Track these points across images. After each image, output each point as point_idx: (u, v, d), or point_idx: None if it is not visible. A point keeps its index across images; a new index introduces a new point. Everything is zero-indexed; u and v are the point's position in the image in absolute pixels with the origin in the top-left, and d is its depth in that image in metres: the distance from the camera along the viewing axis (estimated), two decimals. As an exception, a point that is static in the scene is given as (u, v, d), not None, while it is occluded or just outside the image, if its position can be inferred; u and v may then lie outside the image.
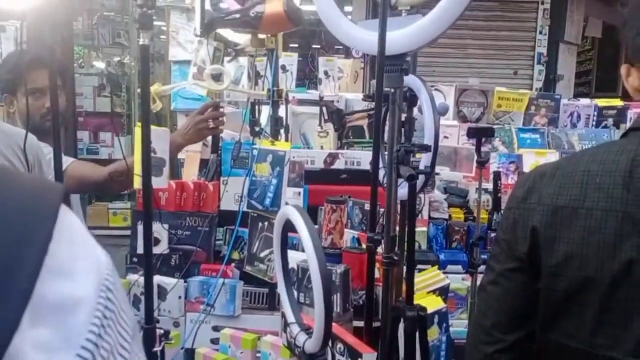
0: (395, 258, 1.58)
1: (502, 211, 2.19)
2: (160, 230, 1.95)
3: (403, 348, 1.47)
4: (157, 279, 1.84)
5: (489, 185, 2.49)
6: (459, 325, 2.06)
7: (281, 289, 1.22)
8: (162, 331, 1.35)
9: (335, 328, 1.46)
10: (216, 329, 1.81)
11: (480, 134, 2.07)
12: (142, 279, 1.43)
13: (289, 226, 1.18)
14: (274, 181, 1.90)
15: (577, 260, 0.83)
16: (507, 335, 0.94)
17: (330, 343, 1.42)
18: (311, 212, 1.69)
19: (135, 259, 1.94)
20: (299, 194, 2.25)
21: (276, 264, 1.19)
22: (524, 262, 0.91)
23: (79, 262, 0.40)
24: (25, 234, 0.37)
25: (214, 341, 1.81)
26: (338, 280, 1.57)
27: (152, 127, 1.90)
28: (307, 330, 1.15)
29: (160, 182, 2.01)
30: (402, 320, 1.36)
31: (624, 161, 0.82)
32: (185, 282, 1.86)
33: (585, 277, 0.81)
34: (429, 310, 1.60)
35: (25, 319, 0.35)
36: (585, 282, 0.82)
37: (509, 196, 0.99)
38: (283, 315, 1.60)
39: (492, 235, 2.30)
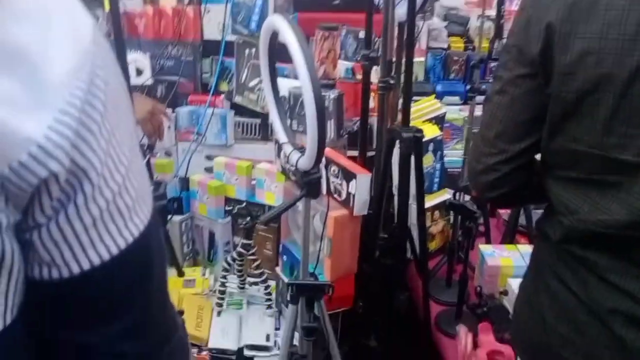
0: (392, 82, 1.50)
1: (504, 39, 2.05)
2: (141, 59, 1.83)
3: (398, 172, 1.47)
4: (144, 110, 1.77)
5: (492, 12, 2.30)
6: (454, 155, 2.06)
7: (271, 108, 1.16)
8: (145, 145, 1.32)
9: (329, 152, 1.44)
10: (209, 158, 1.80)
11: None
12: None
13: (276, 41, 1.07)
14: (259, 2, 1.73)
15: (593, 56, 0.76)
16: (511, 145, 0.90)
17: (324, 166, 1.41)
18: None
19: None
20: (289, 21, 2.08)
21: (264, 78, 1.10)
22: (535, 66, 0.84)
23: (50, 11, 0.32)
24: None
25: (208, 170, 1.81)
26: (332, 106, 1.51)
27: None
28: (300, 149, 1.11)
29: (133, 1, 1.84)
30: (397, 142, 1.33)
31: None
32: (173, 112, 1.80)
33: (601, 73, 0.75)
34: (424, 139, 1.57)
35: None
36: (600, 80, 0.75)
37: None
38: (276, 142, 1.57)
39: (493, 65, 2.20)
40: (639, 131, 0.74)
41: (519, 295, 1.06)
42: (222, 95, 1.89)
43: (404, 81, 1.40)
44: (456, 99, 2.22)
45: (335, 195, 1.40)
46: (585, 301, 0.85)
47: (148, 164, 1.38)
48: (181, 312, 1.16)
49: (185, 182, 1.79)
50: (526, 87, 0.86)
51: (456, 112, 2.12)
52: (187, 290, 1.68)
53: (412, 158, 1.36)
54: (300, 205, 1.50)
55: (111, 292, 0.37)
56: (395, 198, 1.75)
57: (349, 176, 1.33)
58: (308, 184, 1.11)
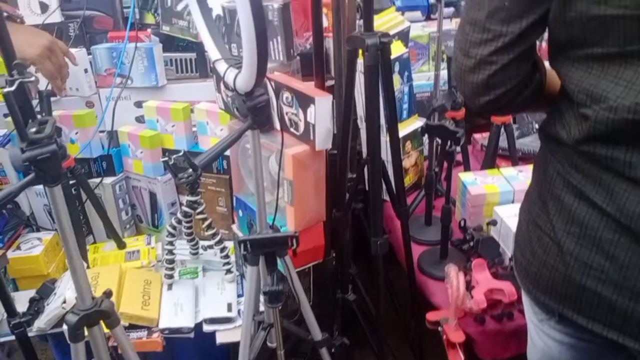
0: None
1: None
2: (43, -8, 1.50)
3: (363, 100, 1.22)
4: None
5: None
6: (421, 79, 1.83)
7: (197, 19, 0.89)
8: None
9: (279, 77, 1.18)
10: (139, 105, 1.51)
11: None
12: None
13: None
14: None
15: None
16: (510, 25, 0.69)
17: (274, 94, 1.15)
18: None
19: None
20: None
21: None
22: None
23: None
24: None
25: (140, 119, 1.52)
26: (277, 18, 1.23)
27: None
28: (237, 64, 0.85)
29: None
30: (362, 53, 1.08)
31: None
32: (89, 54, 1.49)
33: None
34: (389, 58, 1.32)
35: None
36: None
37: None
38: (214, 71, 1.30)
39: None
40: None
41: (521, 221, 0.86)
42: (149, 30, 1.58)
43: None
44: (418, 14, 1.97)
45: (292, 130, 1.15)
46: (614, 214, 0.66)
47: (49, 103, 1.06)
48: (109, 294, 0.90)
49: (113, 137, 1.50)
50: None
51: (419, 29, 1.87)
52: (131, 263, 1.43)
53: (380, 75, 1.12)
54: (250, 146, 1.25)
55: None
56: (362, 131, 1.52)
57: (305, 102, 1.08)
58: (253, 110, 0.86)
